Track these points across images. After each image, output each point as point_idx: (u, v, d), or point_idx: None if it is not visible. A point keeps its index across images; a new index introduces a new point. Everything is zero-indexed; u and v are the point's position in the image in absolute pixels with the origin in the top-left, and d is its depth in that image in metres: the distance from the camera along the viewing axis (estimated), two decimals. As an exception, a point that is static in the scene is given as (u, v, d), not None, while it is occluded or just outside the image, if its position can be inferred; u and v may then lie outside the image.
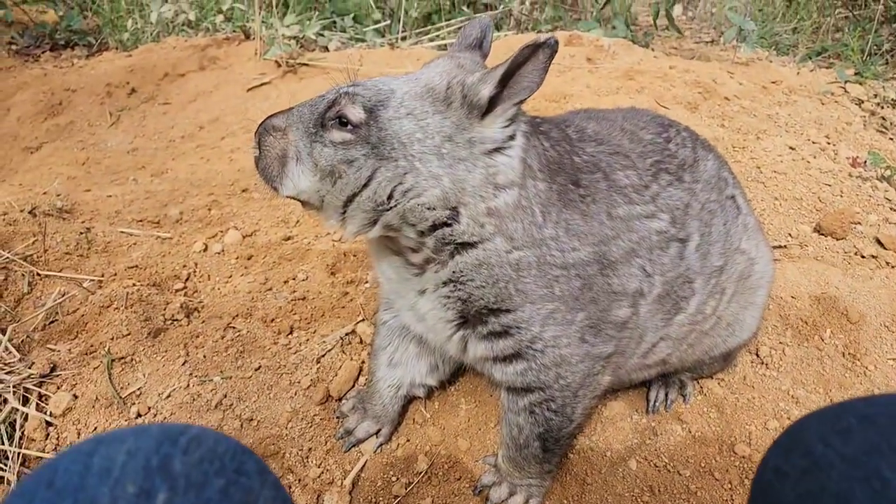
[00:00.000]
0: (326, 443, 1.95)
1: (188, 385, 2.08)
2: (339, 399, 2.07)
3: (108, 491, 0.63)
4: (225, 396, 2.04)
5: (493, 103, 1.38)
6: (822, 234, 2.88)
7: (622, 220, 1.63)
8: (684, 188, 1.77)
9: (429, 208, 1.43)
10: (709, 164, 1.87)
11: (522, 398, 1.68)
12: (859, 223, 2.95)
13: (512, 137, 1.45)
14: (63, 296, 2.42)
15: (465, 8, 5.74)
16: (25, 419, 1.99)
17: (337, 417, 2.03)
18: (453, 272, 1.52)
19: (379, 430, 1.99)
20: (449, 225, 1.46)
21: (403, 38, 5.15)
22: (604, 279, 1.59)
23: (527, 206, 1.49)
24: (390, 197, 1.43)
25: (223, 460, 0.71)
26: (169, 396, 2.06)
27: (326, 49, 4.63)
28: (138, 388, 2.10)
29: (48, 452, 1.93)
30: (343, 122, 1.41)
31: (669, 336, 1.82)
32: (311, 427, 1.98)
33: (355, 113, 1.40)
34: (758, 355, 2.29)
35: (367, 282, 2.55)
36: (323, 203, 1.50)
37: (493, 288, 1.52)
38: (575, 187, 1.57)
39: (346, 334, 2.26)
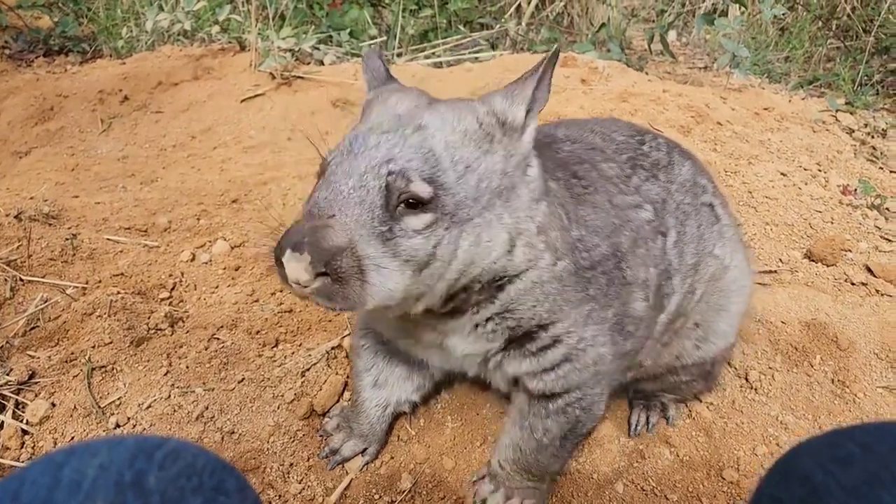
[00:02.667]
0: (308, 458, 1.92)
1: (169, 396, 2.04)
2: (323, 414, 2.03)
3: (77, 506, 0.60)
4: (206, 408, 2.00)
5: None
6: (813, 261, 2.88)
7: (621, 210, 1.64)
8: (660, 185, 1.79)
9: (498, 256, 1.35)
10: (684, 169, 1.88)
11: (556, 401, 1.65)
12: (850, 250, 2.95)
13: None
14: (45, 302, 2.38)
15: (461, 27, 5.77)
16: (1, 427, 1.94)
17: (321, 436, 1.99)
18: (502, 305, 1.46)
19: (365, 449, 1.95)
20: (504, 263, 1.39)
21: (399, 55, 5.15)
22: (619, 272, 1.59)
23: (554, 210, 1.46)
24: (472, 262, 1.32)
25: (202, 477, 0.68)
26: (149, 407, 2.02)
27: (322, 63, 4.63)
28: (118, 398, 2.06)
29: (22, 462, 1.89)
30: (412, 204, 1.23)
31: (652, 336, 1.81)
32: (293, 442, 1.95)
33: (424, 189, 1.23)
34: (747, 380, 2.28)
35: (355, 296, 2.52)
36: (406, 296, 1.30)
37: (544, 304, 1.47)
38: (577, 180, 1.56)
39: (333, 348, 2.23)
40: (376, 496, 1.85)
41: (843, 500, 0.66)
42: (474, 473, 1.93)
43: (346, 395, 2.09)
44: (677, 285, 1.77)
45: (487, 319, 1.49)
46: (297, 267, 1.15)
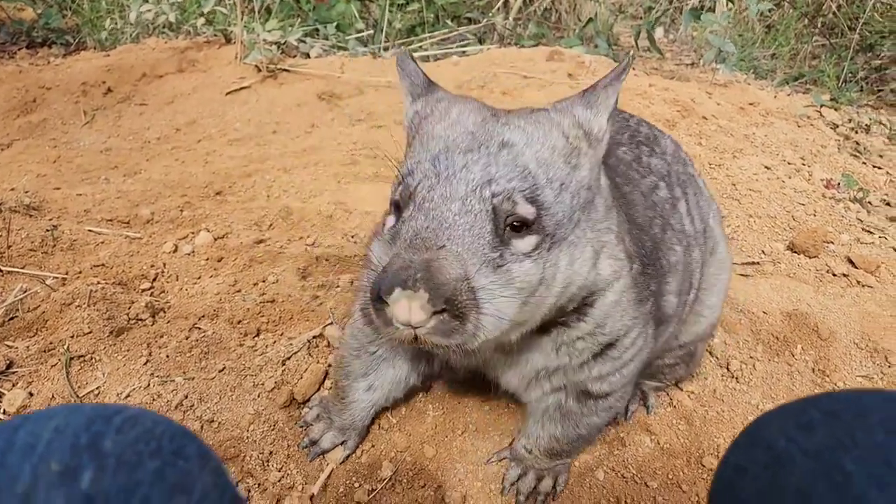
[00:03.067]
0: (289, 447, 1.91)
1: (149, 385, 2.03)
2: (304, 403, 2.02)
3: (30, 468, 0.59)
4: (186, 397, 1.99)
5: None
6: (795, 252, 2.89)
7: (648, 197, 1.63)
8: (658, 158, 1.79)
9: (587, 273, 1.29)
10: (668, 142, 1.91)
11: (608, 399, 1.62)
12: (832, 242, 2.97)
13: None
14: (24, 292, 2.36)
15: (448, 21, 5.76)
16: (-23, 416, 1.92)
17: (300, 426, 1.97)
18: (595, 322, 1.40)
19: (345, 441, 1.92)
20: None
21: (386, 49, 5.14)
22: (658, 265, 1.56)
23: (620, 214, 1.42)
24: (569, 282, 1.26)
25: (160, 442, 0.67)
26: (128, 396, 2.01)
27: (308, 56, 4.61)
28: (97, 388, 2.04)
29: (-2, 450, 1.86)
30: (516, 227, 1.16)
31: (681, 318, 1.81)
32: (273, 430, 1.93)
33: (529, 210, 1.16)
34: (728, 369, 2.28)
35: (338, 286, 2.51)
36: (512, 326, 1.22)
37: (628, 312, 1.43)
38: (614, 174, 1.52)
39: (314, 337, 2.22)
40: (356, 484, 1.85)
41: (805, 466, 0.66)
42: (492, 454, 1.93)
43: (328, 383, 2.08)
44: (697, 258, 1.77)
45: (578, 338, 1.43)
46: (413, 307, 1.03)
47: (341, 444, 1.92)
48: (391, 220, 1.24)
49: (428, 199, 1.15)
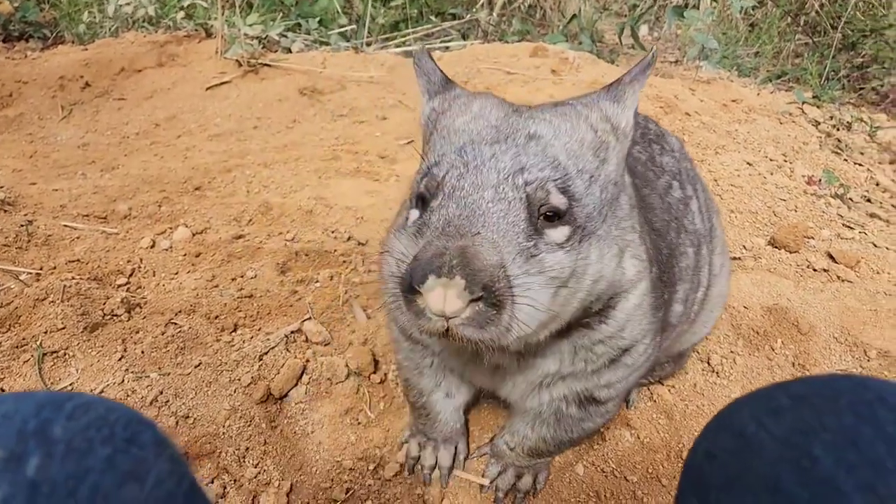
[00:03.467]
0: (265, 442, 1.88)
1: (123, 381, 1.99)
2: (280, 398, 1.99)
3: (-26, 455, 0.57)
4: (161, 393, 1.96)
5: None
6: (776, 247, 2.90)
7: (663, 199, 1.61)
8: (669, 155, 1.77)
9: (612, 270, 1.25)
10: (673, 139, 1.89)
11: (608, 404, 1.59)
12: (812, 238, 2.98)
13: None
14: (-3, 287, 2.31)
15: (432, 17, 5.74)
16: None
17: (412, 465, 1.88)
18: (618, 325, 1.36)
19: (456, 447, 1.89)
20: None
21: (368, 44, 5.11)
22: (671, 272, 1.54)
23: (642, 215, 1.39)
24: (599, 278, 1.22)
25: (113, 428, 0.65)
26: (102, 392, 1.97)
27: (289, 50, 4.57)
28: (70, 384, 2.01)
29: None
30: (549, 217, 1.13)
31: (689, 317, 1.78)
32: (249, 426, 1.91)
33: (561, 200, 1.13)
34: (709, 363, 2.28)
35: (317, 281, 2.48)
36: (545, 320, 1.16)
37: (647, 317, 1.39)
38: (633, 176, 1.47)
39: (292, 332, 2.19)
40: (333, 480, 1.82)
41: (774, 451, 0.64)
42: (474, 450, 1.93)
43: (305, 378, 2.06)
44: (705, 255, 1.76)
45: (598, 342, 1.38)
46: (449, 295, 0.97)
47: (454, 453, 1.89)
48: (415, 213, 1.19)
49: (458, 187, 1.12)
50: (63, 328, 2.16)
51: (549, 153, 1.15)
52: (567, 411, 1.58)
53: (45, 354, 2.07)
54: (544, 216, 1.12)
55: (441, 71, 1.42)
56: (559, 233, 1.13)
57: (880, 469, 0.58)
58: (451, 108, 1.30)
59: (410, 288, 1.00)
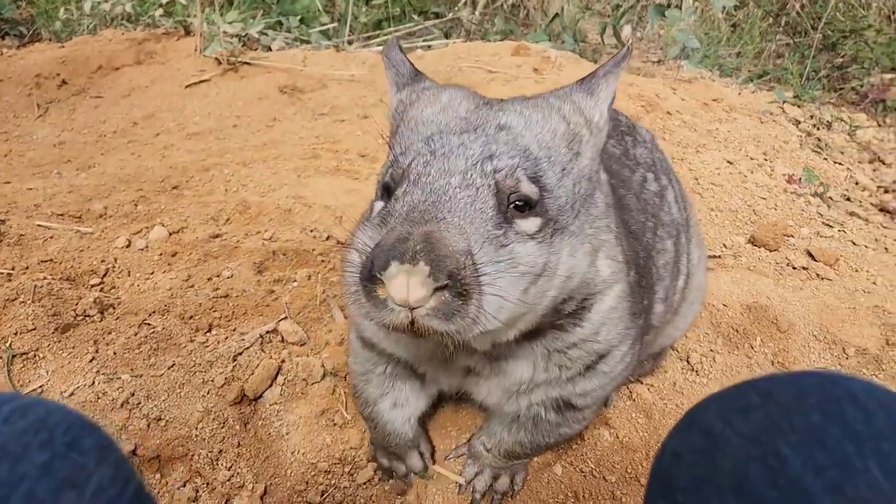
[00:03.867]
0: (239, 445, 1.85)
1: (93, 383, 1.95)
2: (255, 399, 1.96)
3: None
4: (132, 395, 1.92)
5: None
6: (756, 246, 2.90)
7: (639, 195, 1.59)
8: (642, 146, 1.77)
9: (585, 269, 1.21)
10: (644, 130, 1.89)
11: (585, 411, 1.56)
12: (792, 236, 2.98)
13: None
14: (-35, 288, 2.26)
15: (415, 16, 5.71)
16: None
17: (386, 475, 1.85)
18: (593, 328, 1.32)
19: (420, 451, 1.85)
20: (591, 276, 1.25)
21: (350, 42, 5.08)
22: (649, 274, 1.52)
23: (612, 207, 1.35)
24: (570, 275, 1.18)
25: (52, 433, 0.62)
26: (72, 394, 1.93)
27: (269, 48, 4.53)
28: (39, 386, 1.97)
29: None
30: (520, 207, 1.09)
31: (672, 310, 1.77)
32: (222, 428, 1.87)
33: (532, 189, 1.10)
34: (688, 362, 2.27)
35: (294, 280, 2.45)
36: (513, 316, 1.11)
37: (623, 321, 1.35)
38: (608, 174, 1.44)
39: (267, 332, 2.16)
40: (309, 482, 1.80)
41: (741, 450, 0.63)
42: (450, 451, 1.90)
43: (280, 378, 2.02)
44: (683, 243, 1.75)
45: (572, 345, 1.34)
46: (413, 282, 0.91)
47: (422, 458, 1.86)
48: (380, 204, 1.16)
49: (424, 174, 1.08)
50: (33, 329, 2.11)
51: (519, 143, 1.13)
52: (545, 417, 1.56)
53: (14, 356, 2.02)
54: (514, 206, 1.08)
55: (410, 63, 1.40)
56: (530, 223, 1.09)
57: (848, 469, 0.56)
58: (419, 100, 1.27)
59: (370, 276, 0.95)
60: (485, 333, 1.03)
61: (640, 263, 1.48)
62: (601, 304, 1.30)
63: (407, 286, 0.91)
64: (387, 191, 1.15)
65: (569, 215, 1.15)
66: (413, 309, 0.94)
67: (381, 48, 4.97)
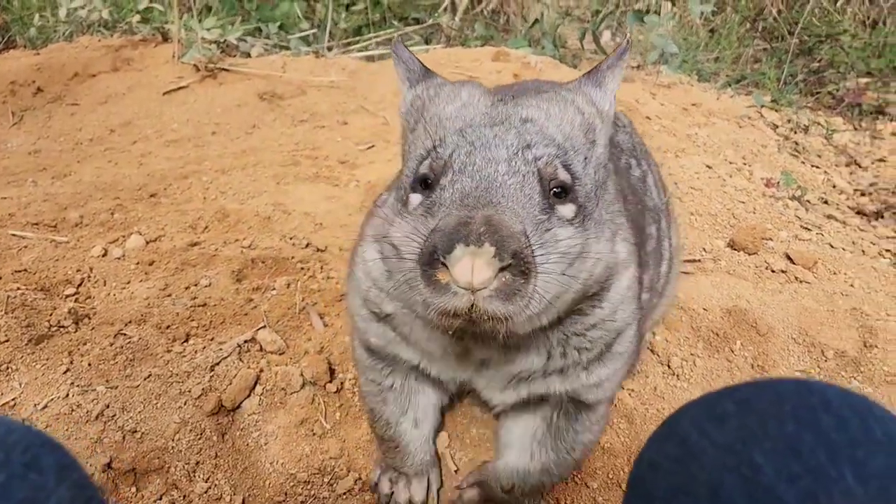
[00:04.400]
0: (216, 456, 1.82)
1: (68, 395, 1.92)
2: (233, 409, 1.93)
3: None
4: (107, 407, 1.89)
5: None
6: (735, 249, 2.91)
7: (629, 181, 1.61)
8: (623, 132, 1.79)
9: (608, 253, 1.23)
10: (622, 115, 1.91)
11: (599, 409, 1.53)
12: (770, 239, 3.00)
13: None
14: (-64, 299, 2.22)
15: (395, 22, 5.71)
16: None
17: (374, 492, 1.80)
18: (612, 307, 1.33)
19: (429, 479, 1.80)
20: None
21: (329, 49, 5.06)
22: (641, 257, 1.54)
23: (620, 193, 1.38)
24: (598, 260, 1.20)
25: (10, 453, 0.60)
26: (45, 407, 1.90)
27: (248, 55, 4.50)
28: (13, 399, 1.93)
29: None
30: (557, 193, 1.13)
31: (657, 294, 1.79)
32: (199, 439, 1.85)
33: (567, 176, 1.14)
34: (669, 366, 2.27)
35: (273, 289, 2.43)
36: (556, 298, 1.13)
37: (633, 303, 1.36)
38: None
39: (245, 341, 2.13)
40: (288, 494, 1.77)
41: (715, 459, 0.62)
42: (462, 480, 1.82)
43: (258, 388, 2.00)
44: (664, 229, 1.76)
45: (591, 327, 1.34)
46: (478, 264, 0.91)
47: (427, 486, 1.80)
48: (417, 196, 1.16)
49: (469, 163, 1.10)
50: (6, 341, 2.08)
51: (546, 133, 1.16)
52: (558, 423, 1.54)
53: (-14, 369, 1.98)
54: (554, 192, 1.12)
55: (419, 60, 1.41)
56: (568, 209, 1.13)
57: (821, 477, 0.56)
58: (438, 96, 1.29)
59: (430, 261, 0.95)
60: (531, 317, 1.06)
61: (636, 249, 1.50)
62: (619, 284, 1.33)
63: (472, 268, 0.92)
64: (424, 183, 1.16)
65: (593, 202, 1.19)
66: (476, 292, 0.94)
67: (361, 54, 4.96)
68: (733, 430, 0.63)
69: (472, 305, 0.96)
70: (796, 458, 0.57)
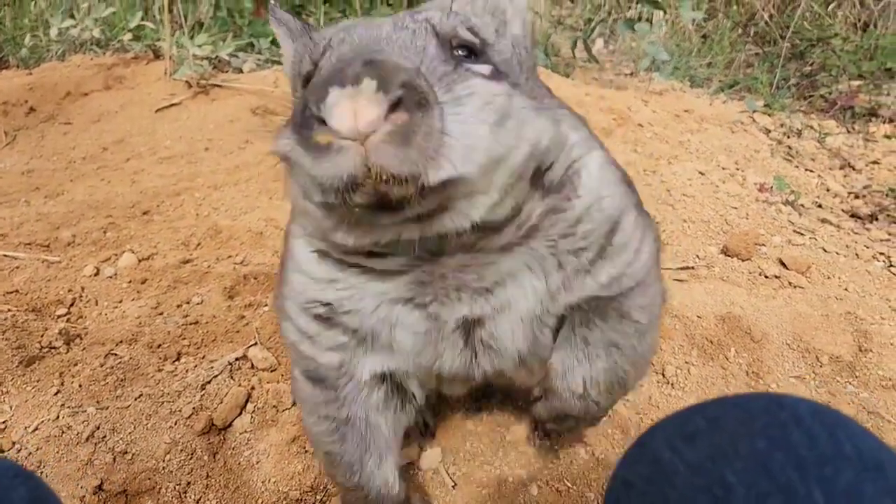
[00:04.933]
0: (207, 476, 1.81)
1: (58, 417, 1.91)
2: (224, 429, 1.92)
3: None
4: (98, 428, 1.88)
5: None
6: (728, 255, 2.91)
7: None
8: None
9: (554, 132, 1.10)
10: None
11: (629, 305, 1.34)
12: (764, 245, 2.99)
13: None
14: (-74, 322, 2.22)
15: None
16: None
17: None
18: (594, 195, 1.18)
19: None
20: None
21: (322, 63, 5.07)
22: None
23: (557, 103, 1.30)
24: (541, 133, 1.05)
25: (-24, 487, 0.59)
26: (36, 429, 1.89)
27: (240, 70, 4.51)
28: (3, 422, 1.92)
29: None
30: (466, 54, 1.02)
31: None
32: (190, 459, 1.83)
33: (470, 36, 1.04)
34: (664, 375, 2.26)
35: (265, 305, 2.42)
36: (489, 156, 0.90)
37: (618, 185, 1.25)
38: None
39: (237, 359, 2.12)
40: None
41: (687, 479, 0.61)
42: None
43: (249, 406, 1.99)
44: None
45: (577, 221, 1.17)
46: (362, 102, 0.75)
47: None
48: (298, 96, 1.05)
49: (349, 36, 0.98)
50: (-3, 363, 2.07)
51: (444, 4, 1.05)
52: (598, 324, 1.32)
53: (-24, 392, 1.98)
54: (460, 54, 0.99)
55: (300, 20, 1.30)
56: (482, 67, 0.99)
57: (792, 496, 0.55)
58: (334, 37, 1.10)
59: (304, 120, 0.80)
60: (464, 183, 0.87)
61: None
62: (588, 167, 1.18)
63: (353, 112, 0.76)
64: (307, 80, 1.03)
65: (517, 73, 1.07)
66: (366, 142, 0.77)
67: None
68: (704, 449, 0.63)
69: (367, 167, 0.78)
70: (766, 476, 0.57)
